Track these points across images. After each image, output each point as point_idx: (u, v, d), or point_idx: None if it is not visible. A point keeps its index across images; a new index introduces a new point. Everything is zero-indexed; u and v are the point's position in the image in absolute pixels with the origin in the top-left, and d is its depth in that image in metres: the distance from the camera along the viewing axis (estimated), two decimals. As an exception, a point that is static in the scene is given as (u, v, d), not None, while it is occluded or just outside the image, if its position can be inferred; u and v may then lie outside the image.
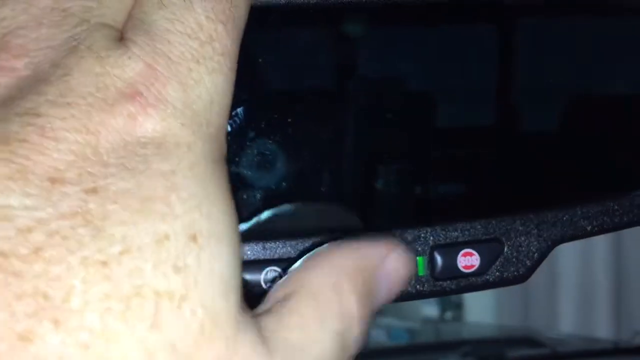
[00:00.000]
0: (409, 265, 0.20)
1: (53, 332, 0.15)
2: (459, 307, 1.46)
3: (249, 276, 0.23)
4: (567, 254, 1.38)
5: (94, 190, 0.16)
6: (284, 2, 0.23)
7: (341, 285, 0.18)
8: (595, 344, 1.20)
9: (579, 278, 1.40)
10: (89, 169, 0.16)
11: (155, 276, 0.15)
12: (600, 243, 1.37)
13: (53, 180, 0.15)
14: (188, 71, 0.17)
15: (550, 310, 1.42)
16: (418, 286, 0.25)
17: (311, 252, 0.19)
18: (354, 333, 0.18)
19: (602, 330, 1.36)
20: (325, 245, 0.19)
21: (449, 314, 1.43)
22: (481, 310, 1.48)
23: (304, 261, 0.19)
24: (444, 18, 0.26)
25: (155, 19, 0.17)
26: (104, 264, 0.15)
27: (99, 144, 0.16)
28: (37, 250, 0.15)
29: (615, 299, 1.39)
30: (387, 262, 0.20)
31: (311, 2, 0.23)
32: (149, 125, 0.16)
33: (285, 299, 0.18)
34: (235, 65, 0.18)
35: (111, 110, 0.16)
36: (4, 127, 0.15)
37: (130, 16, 0.18)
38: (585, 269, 1.40)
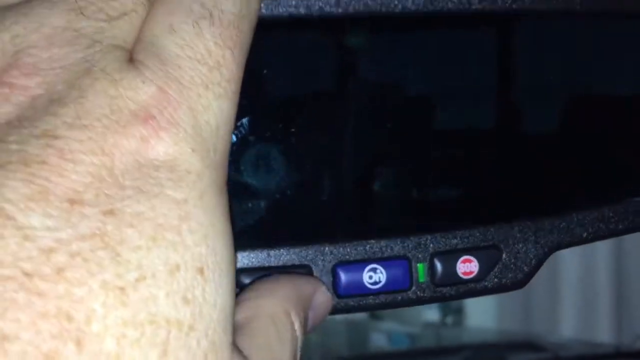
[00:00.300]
0: (330, 301, 0.24)
1: (76, 354, 0.15)
2: (459, 311, 1.46)
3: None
4: (568, 258, 1.38)
5: (111, 212, 0.16)
6: (285, 14, 0.24)
7: (291, 312, 0.21)
8: (597, 348, 1.20)
9: (580, 282, 1.41)
10: (105, 191, 0.16)
11: (167, 305, 0.16)
12: (601, 247, 1.38)
13: (72, 202, 0.16)
14: (197, 97, 0.18)
15: (552, 315, 1.42)
16: (419, 292, 0.25)
17: (260, 281, 0.23)
18: (299, 354, 0.21)
19: (604, 334, 1.37)
20: (271, 276, 0.23)
21: (449, 319, 1.43)
22: (482, 314, 1.48)
23: (256, 290, 0.22)
24: (441, 27, 0.26)
25: (166, 43, 0.18)
26: (122, 289, 0.16)
27: (114, 165, 0.16)
28: (59, 271, 0.15)
29: (616, 303, 1.39)
30: (315, 296, 0.23)
31: (311, 14, 0.24)
32: (161, 148, 0.17)
33: (248, 321, 0.20)
34: (239, 90, 0.19)
35: (124, 132, 0.17)
36: (23, 148, 0.16)
37: (139, 39, 0.18)
38: (586, 273, 1.40)
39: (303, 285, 0.23)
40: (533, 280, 0.26)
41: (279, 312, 0.21)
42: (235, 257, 0.19)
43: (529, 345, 1.14)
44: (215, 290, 0.17)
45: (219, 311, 0.17)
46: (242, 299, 0.21)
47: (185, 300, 0.16)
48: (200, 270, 0.17)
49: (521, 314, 1.45)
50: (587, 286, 1.40)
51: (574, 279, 1.41)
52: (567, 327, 1.42)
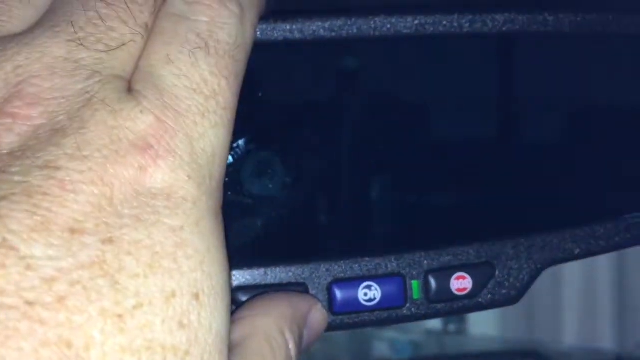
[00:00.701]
0: (326, 319, 0.24)
1: None
2: (462, 319, 1.46)
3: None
4: (570, 265, 1.38)
5: (110, 241, 0.16)
6: (280, 38, 0.24)
7: (285, 331, 0.21)
8: (599, 355, 1.20)
9: (582, 289, 1.41)
10: (105, 220, 0.16)
11: (163, 331, 0.16)
12: (603, 255, 1.37)
13: (73, 231, 0.16)
14: (194, 125, 0.18)
15: (554, 322, 1.42)
16: (413, 309, 0.26)
17: (256, 299, 0.23)
18: None
19: (606, 341, 1.37)
20: (266, 294, 0.23)
21: (452, 327, 1.43)
22: (485, 322, 1.48)
23: (251, 308, 0.22)
24: (433, 50, 0.27)
25: (163, 73, 0.18)
26: (120, 317, 0.16)
27: (114, 195, 0.17)
28: (60, 300, 0.16)
29: (618, 310, 1.39)
30: (311, 314, 0.23)
31: (305, 38, 0.24)
32: (159, 176, 0.17)
33: (243, 340, 0.21)
34: (234, 117, 0.19)
35: (123, 162, 0.17)
36: (26, 180, 0.16)
37: (138, 68, 0.19)
38: (587, 280, 1.40)
39: (298, 303, 0.23)
40: (535, 288, 0.27)
41: (274, 331, 0.21)
42: (232, 277, 0.19)
43: (532, 353, 1.14)
44: (210, 314, 0.17)
45: (214, 335, 0.17)
46: (237, 318, 0.22)
47: (181, 326, 0.17)
48: (196, 296, 0.17)
49: (524, 321, 1.45)
50: (589, 293, 1.40)
51: (575, 287, 1.41)
52: (569, 335, 1.41)
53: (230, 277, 0.19)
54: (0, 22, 0.19)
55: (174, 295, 0.17)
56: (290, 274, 0.25)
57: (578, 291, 1.41)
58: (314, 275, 0.25)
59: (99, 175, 0.17)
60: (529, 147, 0.28)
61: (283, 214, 0.26)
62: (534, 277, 0.26)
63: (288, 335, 0.22)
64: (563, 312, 1.42)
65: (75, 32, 0.18)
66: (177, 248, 0.17)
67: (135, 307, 0.16)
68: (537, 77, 0.28)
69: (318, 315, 0.24)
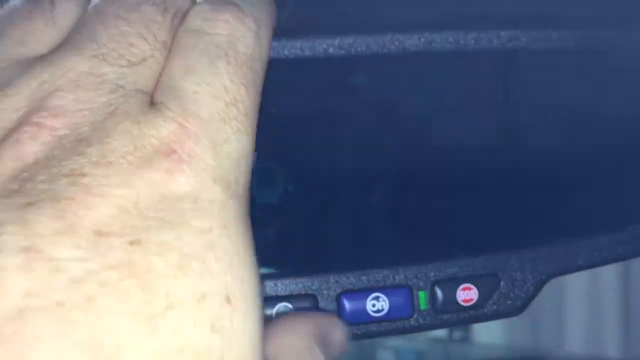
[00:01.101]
0: (347, 338, 0.24)
1: None
2: (467, 327, 1.47)
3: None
4: (575, 273, 1.38)
5: (137, 242, 0.16)
6: (291, 56, 0.25)
7: (313, 349, 0.22)
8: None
9: (587, 296, 1.41)
10: (131, 222, 0.16)
11: (195, 334, 0.16)
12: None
13: (99, 233, 0.16)
14: (217, 131, 0.18)
15: (559, 330, 1.42)
16: (420, 320, 0.26)
17: (283, 318, 0.23)
18: None
19: (611, 349, 1.36)
20: (293, 313, 0.24)
21: (457, 335, 1.43)
22: (489, 330, 1.48)
23: (279, 325, 0.22)
24: (440, 66, 0.27)
25: (184, 83, 0.19)
26: (151, 318, 0.16)
27: (139, 199, 0.17)
28: (90, 300, 0.15)
29: (623, 317, 1.39)
30: (333, 332, 0.24)
31: (315, 55, 0.25)
32: (183, 179, 0.17)
33: (274, 358, 0.21)
34: (255, 125, 0.19)
35: (149, 167, 0.17)
36: (52, 187, 0.16)
37: (159, 82, 0.19)
38: (593, 287, 1.40)
39: (322, 322, 0.23)
40: (540, 296, 0.27)
41: (304, 348, 0.21)
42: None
43: (537, 361, 1.14)
44: (242, 318, 0.17)
45: (248, 340, 0.17)
46: (265, 336, 0.22)
47: (214, 329, 0.16)
48: (227, 299, 0.17)
49: (528, 329, 1.45)
50: (594, 300, 1.40)
51: (580, 295, 1.41)
52: (575, 342, 1.41)
53: (260, 283, 0.18)
54: (26, 44, 0.19)
55: (204, 297, 0.16)
56: (300, 285, 0.25)
57: (583, 299, 1.41)
58: (323, 287, 0.25)
59: (124, 179, 0.17)
60: (534, 160, 0.29)
61: (292, 226, 0.26)
62: (538, 288, 0.27)
63: (317, 354, 0.22)
64: (568, 320, 1.42)
65: (98, 48, 0.19)
66: (207, 250, 0.17)
67: (166, 308, 0.16)
68: (544, 90, 0.29)
69: (340, 334, 0.24)
